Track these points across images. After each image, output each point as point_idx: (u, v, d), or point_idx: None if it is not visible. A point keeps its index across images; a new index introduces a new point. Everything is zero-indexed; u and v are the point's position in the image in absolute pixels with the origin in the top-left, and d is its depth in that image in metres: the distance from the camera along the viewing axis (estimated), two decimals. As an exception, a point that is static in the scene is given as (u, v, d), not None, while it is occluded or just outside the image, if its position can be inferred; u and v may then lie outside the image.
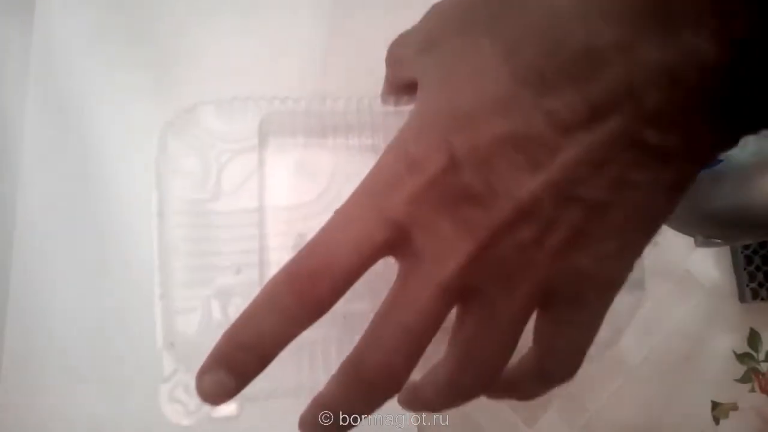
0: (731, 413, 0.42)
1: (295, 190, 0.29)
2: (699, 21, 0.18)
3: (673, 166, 0.20)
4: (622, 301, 0.27)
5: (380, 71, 0.32)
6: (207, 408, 0.29)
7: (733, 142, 0.21)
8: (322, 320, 0.22)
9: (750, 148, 0.27)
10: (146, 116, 0.41)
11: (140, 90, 0.41)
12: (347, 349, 0.22)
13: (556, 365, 0.25)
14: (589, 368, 0.33)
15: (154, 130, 0.40)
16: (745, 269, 0.43)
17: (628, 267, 0.23)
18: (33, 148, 0.40)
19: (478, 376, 0.23)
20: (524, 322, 0.23)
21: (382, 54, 0.30)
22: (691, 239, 0.33)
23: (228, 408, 0.29)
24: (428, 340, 0.22)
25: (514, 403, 0.26)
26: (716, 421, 0.42)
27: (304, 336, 0.22)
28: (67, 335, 0.38)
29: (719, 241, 0.32)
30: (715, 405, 0.42)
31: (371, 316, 0.22)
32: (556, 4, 0.20)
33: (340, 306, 0.22)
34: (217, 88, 0.42)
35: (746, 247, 0.43)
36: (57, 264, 0.38)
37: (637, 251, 0.23)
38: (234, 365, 0.22)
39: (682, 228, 0.32)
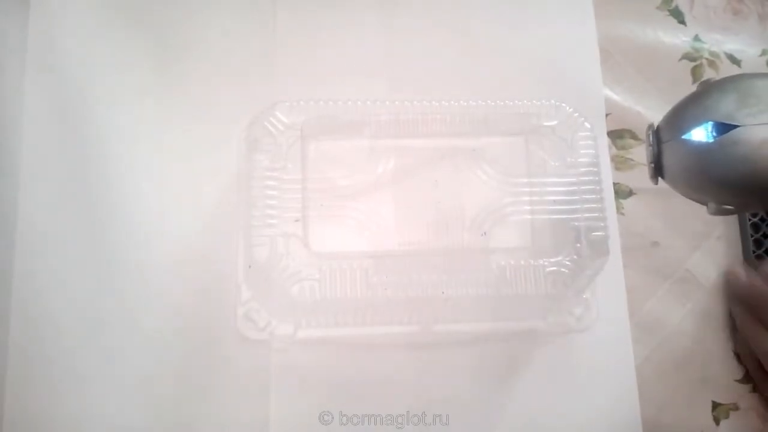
0: (731, 413, 0.41)
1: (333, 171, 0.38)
2: None
3: None
4: (588, 265, 0.35)
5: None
6: (271, 326, 0.38)
7: None
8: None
9: (764, 114, 0.28)
10: (147, 112, 0.41)
11: (141, 86, 0.41)
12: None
13: None
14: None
15: (155, 127, 0.40)
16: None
17: None
18: (32, 146, 0.39)
19: None
20: None
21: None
22: (692, 243, 0.32)
23: (286, 328, 0.38)
24: None
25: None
26: (716, 421, 0.41)
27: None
28: (72, 335, 0.37)
29: (731, 208, 0.31)
30: (715, 405, 0.42)
31: None
32: None
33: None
34: (221, 85, 0.42)
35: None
36: (59, 264, 0.38)
37: None
38: None
39: (695, 195, 0.31)
